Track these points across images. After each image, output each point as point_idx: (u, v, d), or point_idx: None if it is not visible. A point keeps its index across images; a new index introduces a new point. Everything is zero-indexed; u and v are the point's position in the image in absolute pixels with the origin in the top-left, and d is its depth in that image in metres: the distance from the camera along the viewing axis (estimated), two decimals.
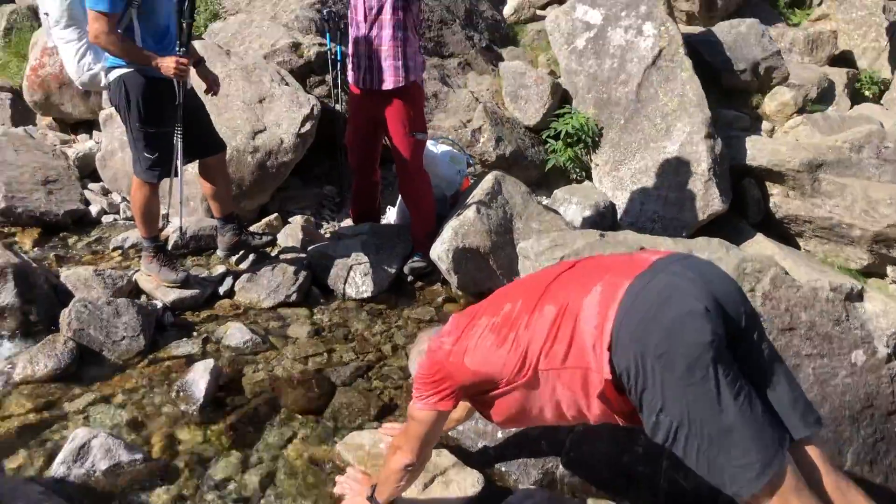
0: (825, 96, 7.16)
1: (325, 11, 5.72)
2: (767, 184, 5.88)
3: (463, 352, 2.19)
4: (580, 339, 1.91)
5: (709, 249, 3.00)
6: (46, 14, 3.54)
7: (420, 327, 3.89)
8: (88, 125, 5.77)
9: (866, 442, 2.77)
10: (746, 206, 5.89)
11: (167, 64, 3.40)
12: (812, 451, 1.85)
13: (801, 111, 6.58)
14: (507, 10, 7.22)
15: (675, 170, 5.46)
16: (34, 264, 3.70)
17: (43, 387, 3.12)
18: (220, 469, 2.76)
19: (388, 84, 4.04)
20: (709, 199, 5.38)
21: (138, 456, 2.73)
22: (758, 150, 5.82)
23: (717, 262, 2.94)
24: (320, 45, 5.66)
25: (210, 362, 3.24)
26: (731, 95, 6.73)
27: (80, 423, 2.91)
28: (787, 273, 2.89)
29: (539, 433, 2.74)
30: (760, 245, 5.32)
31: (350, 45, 4.14)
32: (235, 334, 3.62)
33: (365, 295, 4.16)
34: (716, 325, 1.72)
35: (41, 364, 3.18)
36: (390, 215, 5.00)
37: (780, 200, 5.81)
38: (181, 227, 4.27)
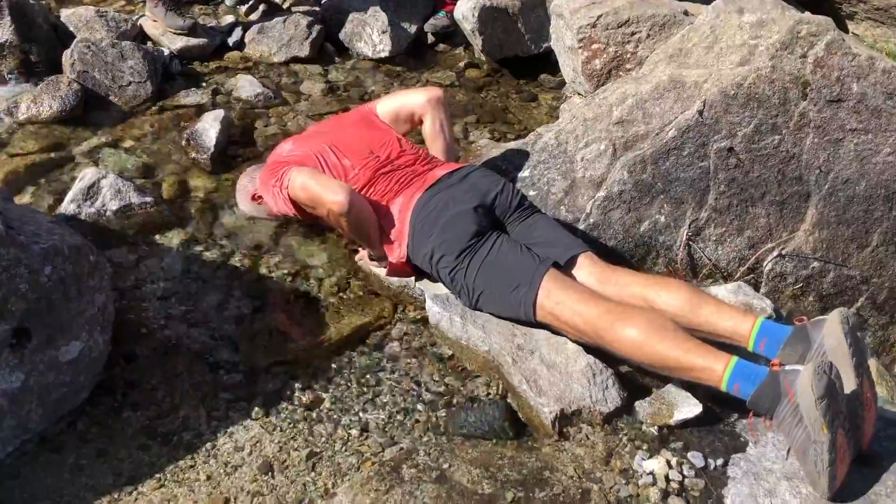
0: None
1: None
2: None
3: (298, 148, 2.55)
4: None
5: (762, 10, 2.73)
6: None
7: None
8: None
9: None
10: None
11: None
12: (580, 262, 2.28)
13: None
14: None
15: None
16: (31, 1, 3.46)
17: (48, 128, 3.03)
18: (231, 218, 2.72)
19: None
20: None
21: (149, 199, 2.68)
22: None
23: (770, 22, 2.70)
24: None
25: (220, 112, 3.11)
26: None
27: (89, 165, 2.84)
28: (844, 40, 2.64)
29: (560, 198, 2.65)
30: None
31: None
32: (246, 87, 3.47)
33: (382, 55, 3.93)
34: (480, 217, 2.31)
35: (46, 105, 3.06)
36: None
37: None
38: None
